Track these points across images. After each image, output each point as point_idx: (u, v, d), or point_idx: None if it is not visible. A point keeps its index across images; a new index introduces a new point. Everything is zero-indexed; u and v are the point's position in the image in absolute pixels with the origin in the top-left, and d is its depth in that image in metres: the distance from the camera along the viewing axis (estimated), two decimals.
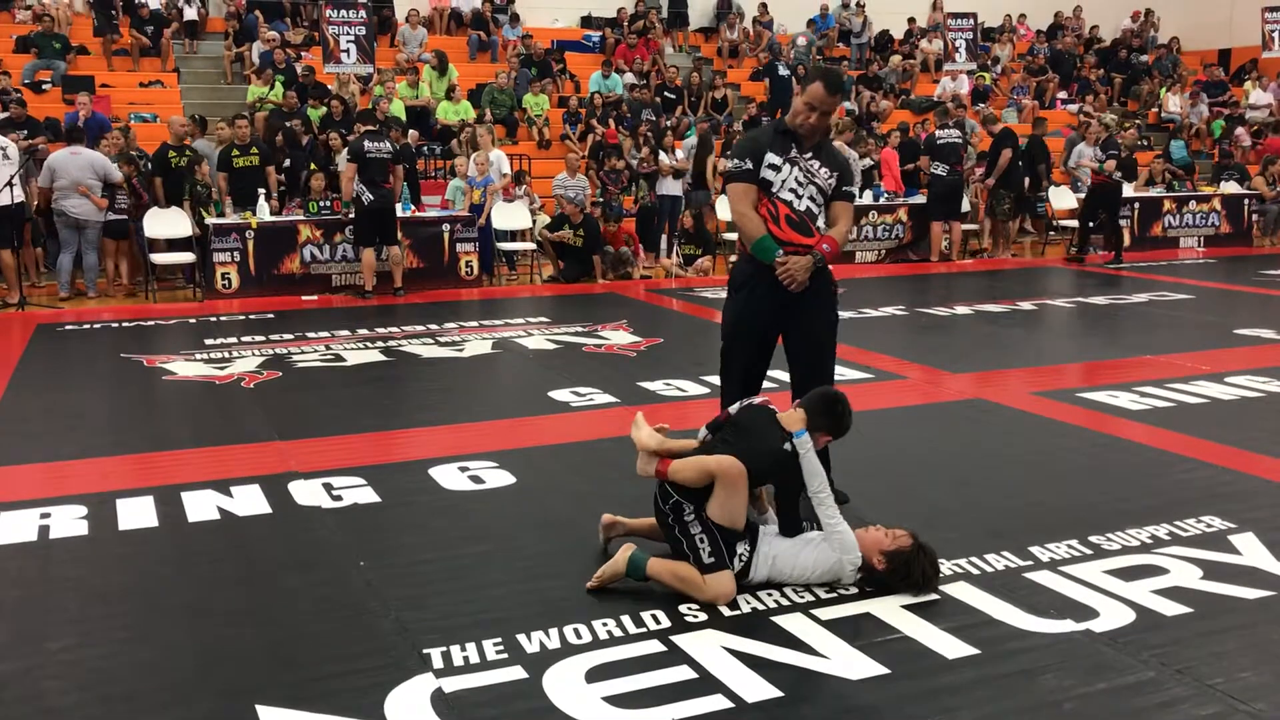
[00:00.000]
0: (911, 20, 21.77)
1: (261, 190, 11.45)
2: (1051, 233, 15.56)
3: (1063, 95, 20.52)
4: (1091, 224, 13.68)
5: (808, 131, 4.62)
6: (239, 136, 11.65)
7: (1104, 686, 3.21)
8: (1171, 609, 3.69)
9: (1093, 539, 4.31)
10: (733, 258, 13.41)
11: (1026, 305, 10.30)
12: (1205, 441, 5.68)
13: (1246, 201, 15.60)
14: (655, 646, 3.45)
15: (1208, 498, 4.79)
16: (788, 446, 3.89)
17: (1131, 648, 3.43)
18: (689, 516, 3.84)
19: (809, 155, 4.66)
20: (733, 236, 13.64)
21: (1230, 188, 15.74)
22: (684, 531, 3.84)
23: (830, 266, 4.78)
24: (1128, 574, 3.97)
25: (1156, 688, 3.20)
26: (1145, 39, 23.02)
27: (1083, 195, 15.17)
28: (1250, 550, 4.19)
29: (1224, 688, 3.18)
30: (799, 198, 4.65)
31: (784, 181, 4.64)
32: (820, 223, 4.71)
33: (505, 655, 3.40)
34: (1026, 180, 14.27)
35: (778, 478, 3.95)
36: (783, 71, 18.04)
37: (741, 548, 3.83)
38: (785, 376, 5.05)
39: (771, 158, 4.63)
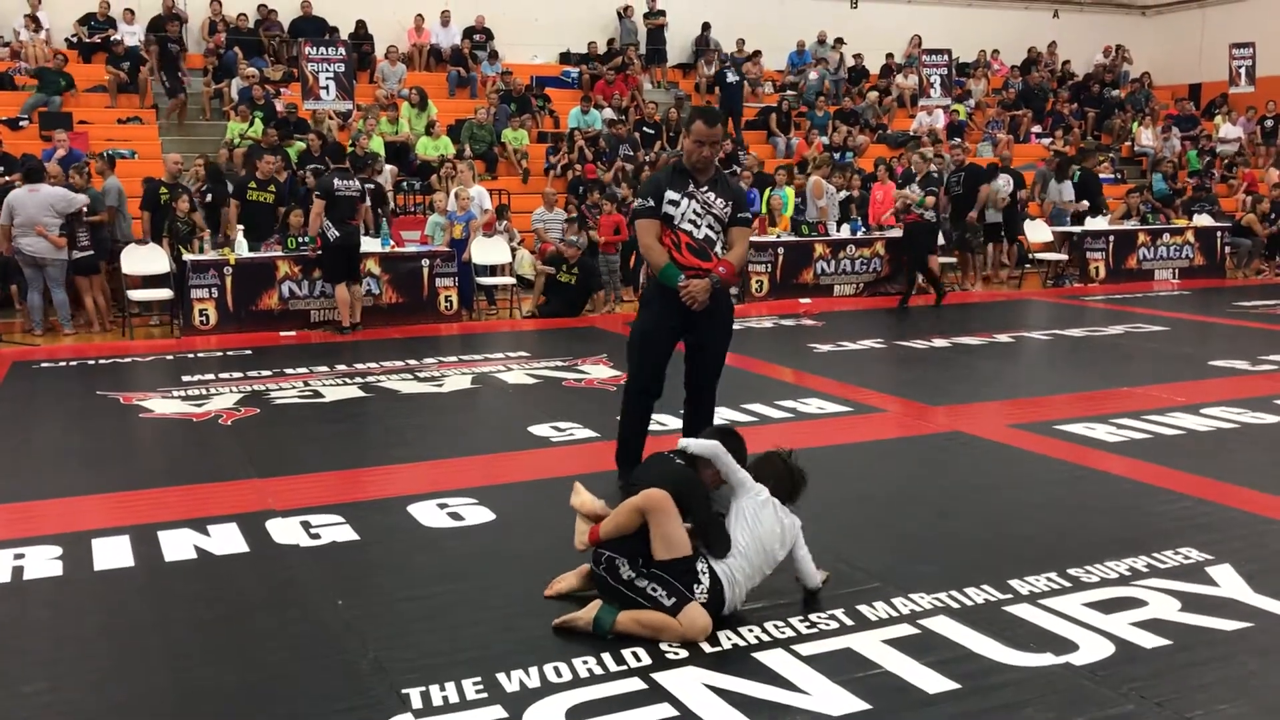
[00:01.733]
0: (889, 56, 22.00)
1: (240, 226, 11.44)
2: (1028, 265, 15.70)
3: (1037, 129, 20.75)
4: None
5: (701, 166, 5.24)
6: (263, 172, 11.92)
7: None
8: (1150, 641, 3.70)
9: (1071, 571, 4.32)
10: None
11: (1003, 338, 10.36)
12: (1182, 473, 5.71)
13: (1219, 234, 15.78)
14: (636, 684, 3.43)
15: (1185, 529, 4.81)
16: (679, 461, 4.05)
17: (1111, 681, 3.44)
18: (626, 573, 3.80)
19: (705, 188, 5.27)
20: None
21: (1203, 220, 15.93)
22: (630, 587, 3.80)
23: (733, 288, 5.56)
24: (1106, 606, 3.98)
25: None
26: (1117, 74, 23.33)
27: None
28: (1227, 582, 4.21)
29: None
30: (697, 227, 5.26)
31: (683, 214, 5.25)
32: (719, 248, 5.31)
33: (485, 694, 3.38)
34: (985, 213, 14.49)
35: (685, 497, 3.90)
36: (731, 79, 18.69)
37: (700, 565, 3.81)
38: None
39: (671, 194, 5.26)
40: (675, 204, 5.25)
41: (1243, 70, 20.24)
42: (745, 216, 5.43)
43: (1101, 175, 16.25)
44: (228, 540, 4.82)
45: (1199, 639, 3.73)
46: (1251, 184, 18.38)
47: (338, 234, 10.63)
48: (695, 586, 3.76)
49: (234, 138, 14.94)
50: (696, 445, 4.08)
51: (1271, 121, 20.68)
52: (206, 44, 17.54)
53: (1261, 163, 19.39)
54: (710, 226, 5.27)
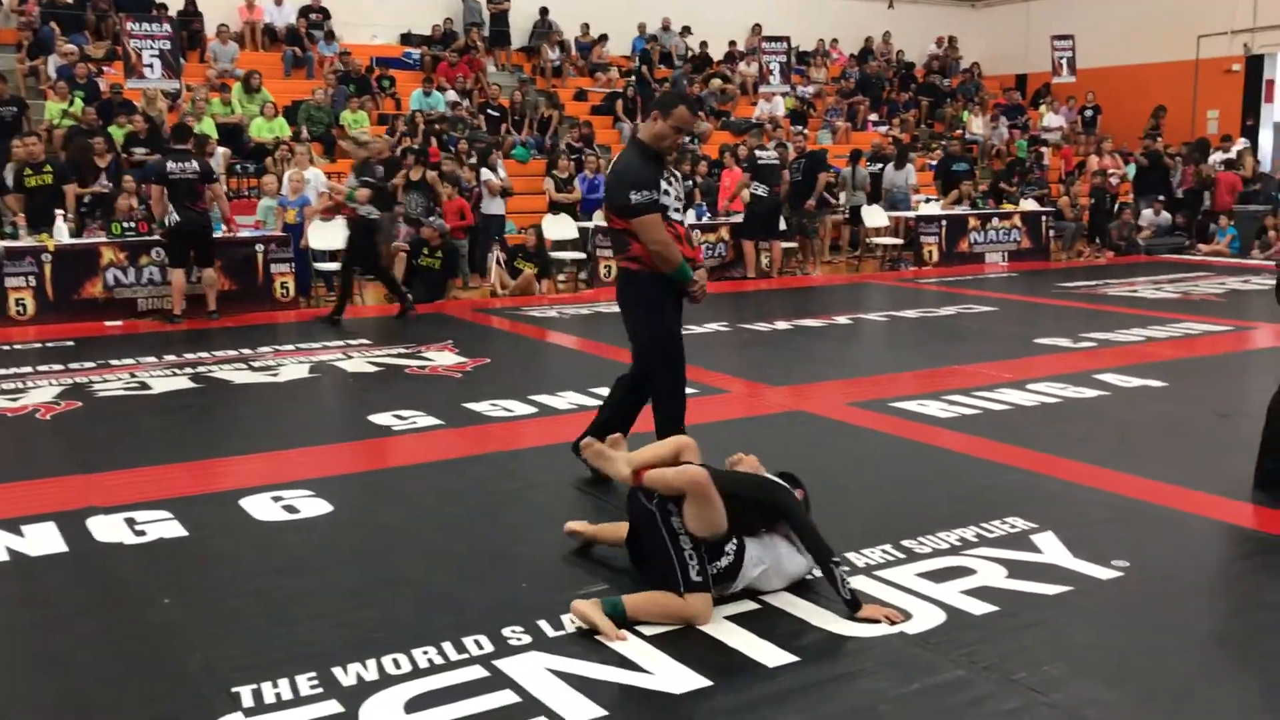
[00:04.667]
0: (732, 43, 22.28)
1: (59, 211, 10.85)
2: (863, 249, 16.15)
3: (874, 117, 21.32)
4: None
5: (672, 151, 5.10)
6: (30, 154, 11.01)
7: (917, 687, 3.30)
8: (979, 608, 3.83)
9: (905, 543, 4.44)
10: (561, 278, 13.57)
11: (842, 320, 10.62)
12: (1009, 446, 5.95)
13: (1044, 218, 16.51)
14: (477, 672, 3.38)
15: (1011, 500, 5.00)
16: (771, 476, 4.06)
17: (942, 647, 3.54)
18: (677, 523, 3.75)
19: (669, 174, 5.05)
20: (564, 256, 13.70)
21: (1029, 205, 16.63)
22: (672, 537, 3.73)
23: None
24: (938, 576, 4.11)
25: (966, 686, 3.31)
26: (948, 64, 24.16)
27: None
28: (1050, 548, 4.39)
29: (1026, 681, 3.32)
30: (681, 215, 5.09)
31: (671, 204, 4.98)
32: None
33: (320, 690, 3.27)
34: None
35: (782, 506, 3.93)
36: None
37: (729, 546, 3.80)
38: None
39: (661, 183, 4.95)
40: (666, 193, 4.99)
41: (1064, 61, 21.20)
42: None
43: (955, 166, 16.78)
44: (44, 540, 4.55)
45: (1024, 604, 3.88)
46: (1068, 167, 19.32)
47: (178, 218, 10.19)
48: (715, 562, 3.76)
49: (53, 118, 14.15)
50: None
51: (1091, 111, 21.74)
52: (18, 16, 16.54)
53: (1081, 150, 20.35)
54: (682, 212, 5.16)
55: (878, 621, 3.69)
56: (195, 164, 10.33)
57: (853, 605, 3.75)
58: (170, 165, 10.18)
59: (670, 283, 5.06)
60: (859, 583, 4.03)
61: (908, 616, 3.76)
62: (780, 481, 4.06)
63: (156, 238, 10.75)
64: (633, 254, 5.07)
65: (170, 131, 11.32)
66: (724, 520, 3.77)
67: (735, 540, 3.83)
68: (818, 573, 3.93)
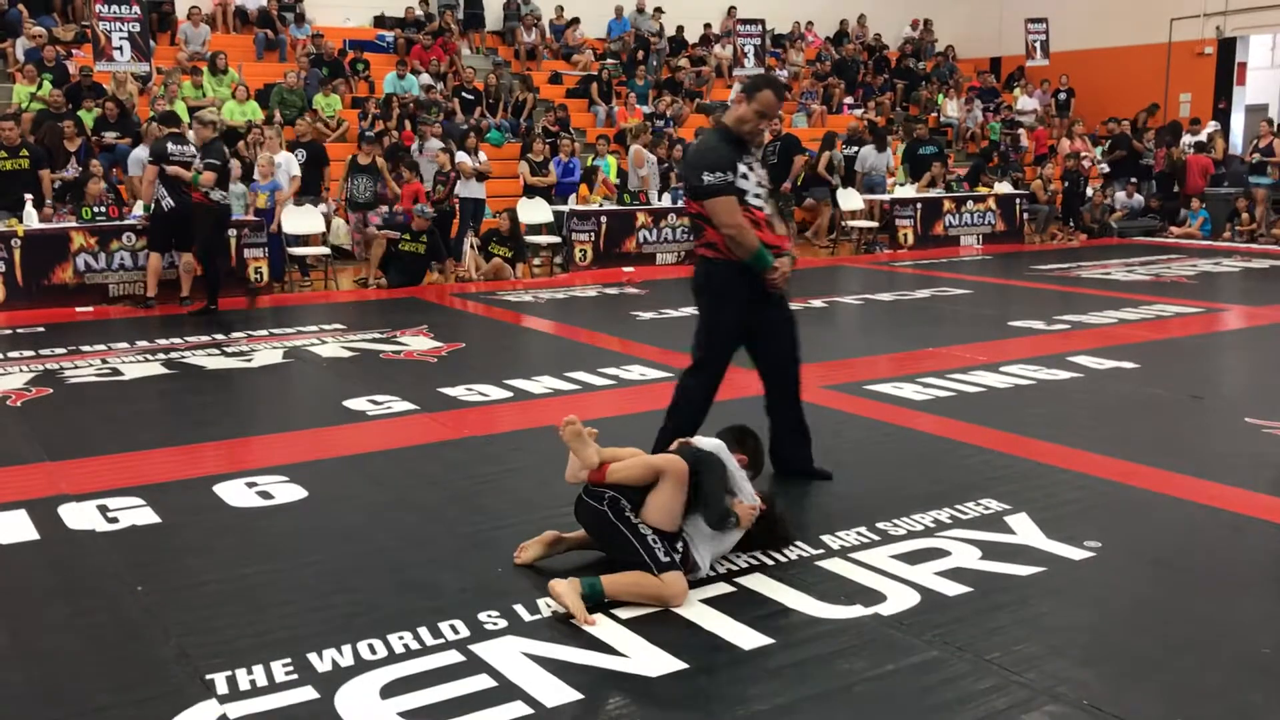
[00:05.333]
0: (707, 26, 22.22)
1: (30, 196, 10.72)
2: (839, 233, 16.18)
3: (849, 100, 21.33)
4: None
5: (756, 137, 4.85)
6: (6, 138, 10.87)
7: (892, 668, 3.32)
8: (953, 589, 3.86)
9: (880, 525, 4.47)
10: (536, 262, 13.54)
11: (817, 303, 10.64)
12: (983, 428, 5.98)
13: (1018, 201, 16.58)
14: (454, 657, 3.38)
15: (985, 481, 5.04)
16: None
17: (916, 628, 3.57)
18: (632, 515, 3.79)
19: (752, 159, 4.86)
20: (538, 240, 13.67)
21: (1004, 188, 16.69)
22: (632, 530, 3.76)
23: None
24: (912, 558, 4.13)
25: (940, 666, 3.33)
26: (923, 47, 24.18)
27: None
28: (1023, 529, 4.43)
29: (1000, 661, 3.34)
30: (762, 200, 4.82)
31: (750, 189, 4.77)
32: None
33: (295, 676, 3.26)
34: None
35: (701, 474, 3.92)
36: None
37: (679, 543, 3.83)
38: None
39: (740, 167, 4.76)
40: (745, 177, 4.76)
41: (1038, 44, 21.25)
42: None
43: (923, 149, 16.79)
44: (15, 528, 4.51)
45: (997, 585, 3.91)
46: (1040, 150, 19.39)
47: (172, 202, 10.10)
48: (673, 550, 3.78)
49: (22, 101, 13.97)
50: (707, 443, 4.10)
51: (1065, 94, 21.81)
52: None
53: (1056, 132, 20.44)
54: (765, 200, 4.88)
55: (749, 521, 3.94)
56: (191, 148, 10.25)
57: (731, 518, 3.89)
58: (171, 147, 10.10)
59: (748, 274, 4.79)
60: (833, 565, 4.06)
61: (768, 503, 4.07)
62: (705, 449, 4.06)
63: (129, 223, 10.65)
64: (707, 239, 4.86)
65: (161, 118, 11.18)
66: (679, 518, 3.83)
67: (682, 535, 3.87)
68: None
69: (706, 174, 4.74)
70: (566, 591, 3.65)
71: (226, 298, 10.58)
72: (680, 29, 21.81)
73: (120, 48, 13.33)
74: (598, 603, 3.67)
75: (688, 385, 5.04)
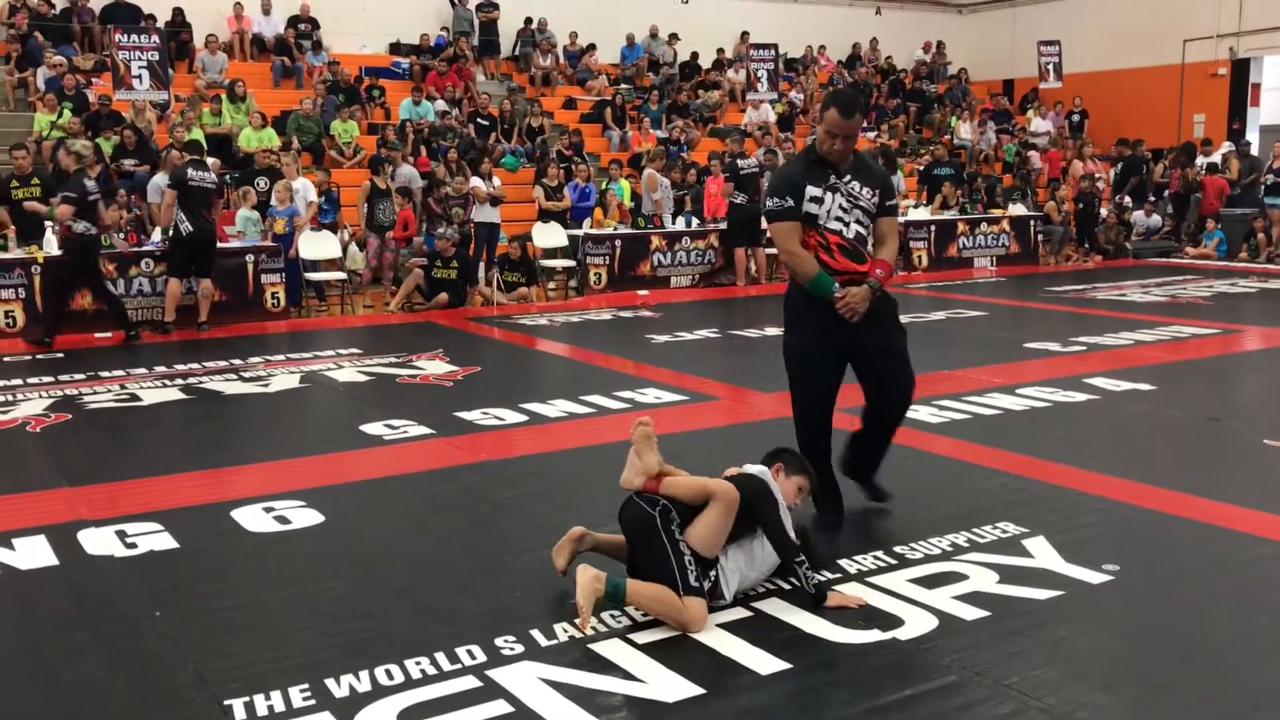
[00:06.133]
0: (720, 51, 22.32)
1: (49, 223, 10.81)
2: None
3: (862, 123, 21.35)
4: None
5: (837, 157, 4.58)
6: (18, 167, 10.99)
7: (910, 692, 3.31)
8: (970, 613, 3.84)
9: (897, 549, 4.46)
10: (551, 286, 13.58)
11: None
12: (999, 451, 5.96)
13: (1032, 223, 16.57)
14: (470, 683, 3.38)
15: (1002, 505, 5.02)
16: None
17: (934, 653, 3.55)
18: (677, 531, 3.79)
19: (848, 178, 4.60)
20: (553, 264, 13.73)
21: (1018, 210, 16.68)
22: (673, 545, 3.76)
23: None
24: (930, 581, 4.12)
25: (958, 691, 3.32)
26: (935, 70, 24.24)
27: None
28: (1041, 553, 4.41)
29: (1019, 686, 3.33)
30: (846, 225, 4.59)
31: (829, 211, 4.58)
32: (869, 245, 4.65)
33: (313, 701, 3.27)
34: None
35: (757, 508, 3.91)
36: None
37: (713, 572, 3.84)
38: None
39: (811, 190, 4.57)
40: (818, 200, 4.56)
41: (1050, 66, 21.27)
42: (894, 205, 4.76)
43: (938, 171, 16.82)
44: (35, 554, 4.54)
45: (1015, 609, 3.89)
46: (1053, 172, 19.38)
47: (190, 228, 10.21)
48: (706, 577, 3.79)
49: (43, 129, 14.12)
50: (753, 469, 4.09)
51: (1078, 115, 21.82)
52: (7, 30, 16.52)
53: (1069, 154, 20.43)
54: (859, 221, 4.60)
55: (847, 608, 3.82)
56: (213, 175, 10.36)
57: (819, 598, 3.85)
58: (191, 173, 10.21)
59: (823, 300, 4.60)
60: (850, 589, 4.05)
61: (801, 534, 3.98)
62: (757, 476, 4.05)
63: (147, 249, 10.74)
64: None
65: (185, 146, 11.30)
66: (722, 543, 3.83)
67: (716, 563, 3.87)
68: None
69: (769, 199, 4.70)
70: (587, 584, 3.69)
71: (244, 323, 10.65)
72: (694, 54, 21.92)
73: (139, 76, 13.47)
74: (615, 603, 3.72)
75: (799, 443, 4.82)
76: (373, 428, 6.64)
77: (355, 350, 9.40)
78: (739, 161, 14.20)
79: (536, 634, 3.69)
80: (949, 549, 4.46)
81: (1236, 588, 4.13)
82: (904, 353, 4.85)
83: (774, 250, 14.73)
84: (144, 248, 10.85)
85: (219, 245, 11.29)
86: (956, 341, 9.78)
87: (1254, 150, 19.37)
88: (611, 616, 3.82)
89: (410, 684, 3.37)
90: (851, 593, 3.99)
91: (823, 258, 4.57)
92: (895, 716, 3.18)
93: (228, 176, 14.28)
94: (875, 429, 4.99)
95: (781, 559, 3.91)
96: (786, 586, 4.08)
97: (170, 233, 10.50)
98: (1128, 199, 17.85)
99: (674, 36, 21.80)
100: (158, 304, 10.65)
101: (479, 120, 17.33)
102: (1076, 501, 5.08)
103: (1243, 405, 7.75)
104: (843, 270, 4.57)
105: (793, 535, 3.94)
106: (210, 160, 13.66)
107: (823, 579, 4.02)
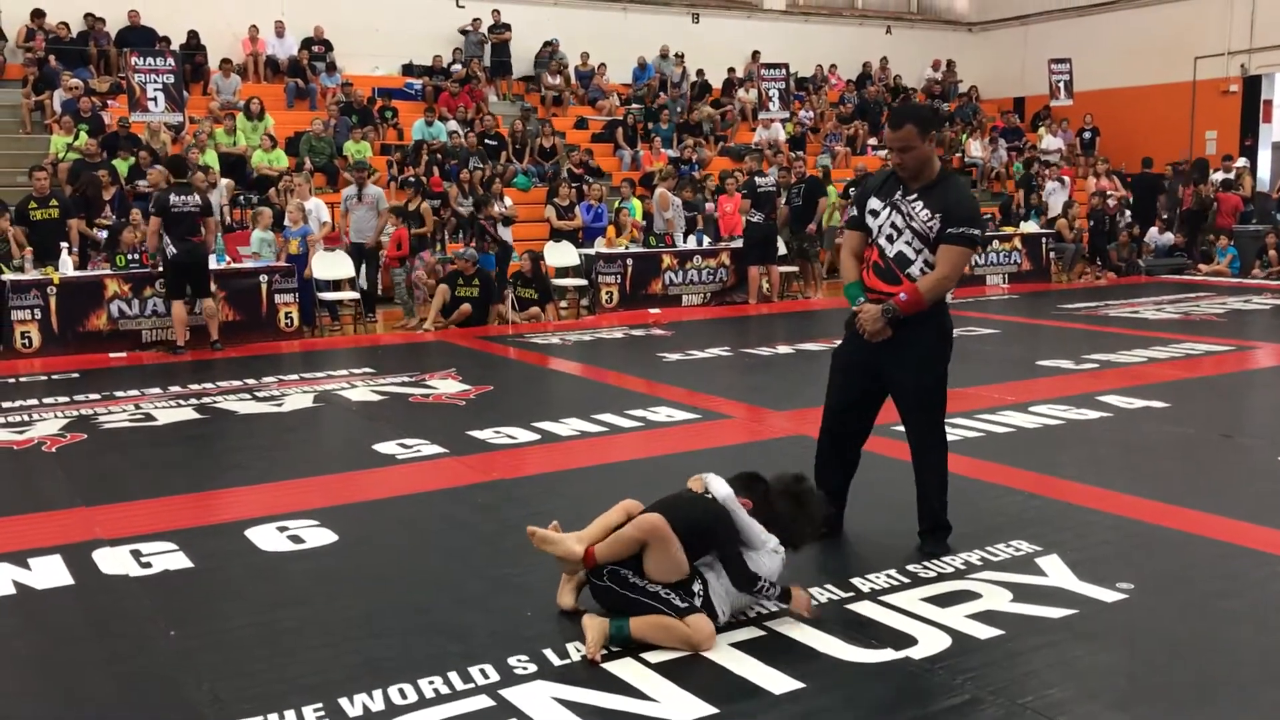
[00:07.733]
0: (731, 70, 22.41)
1: (64, 244, 10.91)
2: None
3: (873, 141, 21.40)
4: None
5: (904, 172, 4.53)
6: (37, 188, 11.08)
7: (924, 712, 3.30)
8: (984, 632, 3.83)
9: (910, 568, 4.45)
10: (563, 304, 13.62)
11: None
12: (1012, 469, 5.95)
13: (1044, 240, 16.55)
14: (484, 702, 3.38)
15: (1016, 523, 5.01)
16: (708, 494, 4.00)
17: (948, 672, 3.54)
18: (634, 580, 3.79)
19: (913, 196, 4.53)
20: (565, 283, 13.77)
21: (1030, 227, 16.67)
22: (642, 593, 3.77)
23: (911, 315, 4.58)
24: (943, 600, 4.11)
25: (973, 710, 3.31)
26: (946, 88, 24.28)
27: None
28: (1055, 571, 4.40)
29: (1033, 705, 3.31)
30: (891, 242, 4.56)
31: (880, 226, 4.59)
32: (919, 267, 4.52)
33: None
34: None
35: (710, 533, 3.90)
36: None
37: (696, 586, 3.82)
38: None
39: (873, 202, 4.62)
40: (875, 214, 4.60)
41: (1061, 84, 21.29)
42: (954, 232, 4.47)
43: None
44: (50, 573, 4.56)
45: (1029, 628, 3.88)
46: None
47: (175, 251, 10.26)
48: (695, 599, 3.78)
49: (59, 151, 14.25)
50: (716, 488, 4.04)
51: (1089, 133, 21.81)
52: (25, 53, 16.69)
53: (1081, 171, 20.43)
54: (909, 242, 4.51)
55: (804, 612, 3.89)
56: (196, 197, 10.41)
57: (784, 598, 3.90)
58: (173, 199, 10.25)
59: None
60: (863, 608, 4.04)
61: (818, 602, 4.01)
62: (715, 499, 4.00)
63: (160, 270, 10.81)
64: None
65: (168, 164, 11.33)
66: (685, 561, 3.81)
67: (699, 578, 3.85)
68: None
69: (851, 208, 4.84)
70: (592, 626, 3.68)
71: (258, 343, 10.69)
72: (700, 72, 21.98)
73: (155, 98, 13.58)
74: (624, 644, 3.68)
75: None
76: (386, 447, 6.66)
77: (368, 369, 9.43)
78: (757, 179, 14.24)
79: (549, 653, 3.70)
80: (962, 567, 4.45)
81: (1251, 606, 4.11)
82: (906, 388, 4.70)
83: (791, 269, 14.81)
84: (159, 269, 10.91)
85: (232, 266, 11.38)
86: (968, 359, 9.73)
87: (1265, 167, 19.34)
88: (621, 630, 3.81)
89: (424, 703, 3.37)
90: (863, 611, 3.99)
91: (864, 272, 4.67)
92: None
93: (241, 197, 14.41)
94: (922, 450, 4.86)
95: (739, 589, 3.87)
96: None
97: (158, 257, 10.53)
98: (1135, 226, 17.78)
99: (682, 56, 21.85)
100: (171, 324, 10.69)
101: (489, 141, 17.42)
102: (1090, 519, 5.07)
103: (1256, 422, 7.72)
104: (870, 288, 4.63)
105: (766, 550, 3.93)
106: (224, 181, 13.82)
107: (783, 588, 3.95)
